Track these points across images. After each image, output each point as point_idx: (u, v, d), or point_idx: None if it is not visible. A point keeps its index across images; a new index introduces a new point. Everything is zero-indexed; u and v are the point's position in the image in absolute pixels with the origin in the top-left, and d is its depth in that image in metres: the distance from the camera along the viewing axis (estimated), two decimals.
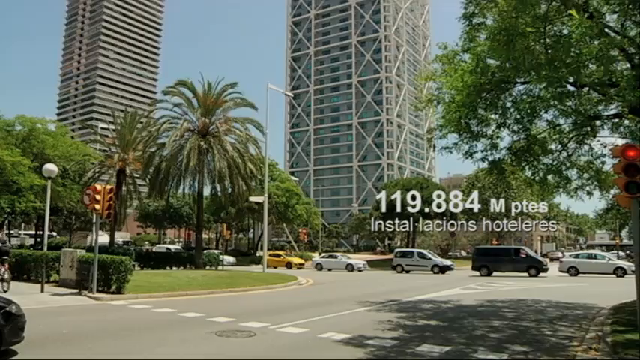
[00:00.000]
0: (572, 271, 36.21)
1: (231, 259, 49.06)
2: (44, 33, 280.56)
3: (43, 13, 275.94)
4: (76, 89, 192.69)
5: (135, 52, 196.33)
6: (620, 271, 34.48)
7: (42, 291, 17.75)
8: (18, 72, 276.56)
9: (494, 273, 36.32)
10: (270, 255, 49.63)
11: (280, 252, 56.18)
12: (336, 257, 48.69)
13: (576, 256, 40.88)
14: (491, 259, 37.81)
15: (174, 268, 33.34)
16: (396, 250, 49.97)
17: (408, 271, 41.47)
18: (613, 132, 13.18)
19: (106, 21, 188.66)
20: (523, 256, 37.47)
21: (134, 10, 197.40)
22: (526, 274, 35.48)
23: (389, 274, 39.34)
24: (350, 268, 43.92)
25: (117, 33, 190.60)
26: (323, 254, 55.85)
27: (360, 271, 43.32)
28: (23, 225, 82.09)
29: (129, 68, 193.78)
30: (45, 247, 25.16)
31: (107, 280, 17.83)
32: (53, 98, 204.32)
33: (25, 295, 15.58)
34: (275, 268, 43.36)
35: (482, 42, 12.85)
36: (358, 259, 50.48)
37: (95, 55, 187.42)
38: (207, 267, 33.93)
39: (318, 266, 45.56)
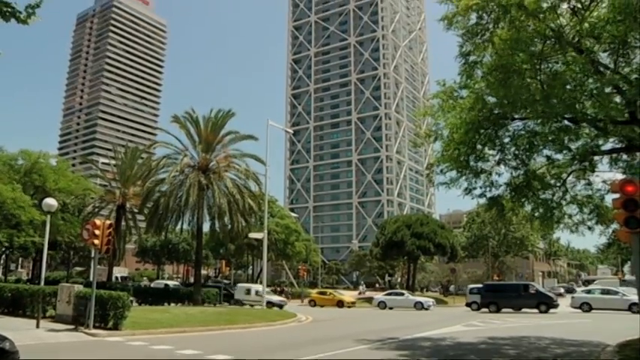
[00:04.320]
0: (585, 307, 35.28)
1: (276, 298, 40.77)
2: (49, 68, 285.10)
3: (49, 49, 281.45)
4: (78, 124, 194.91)
5: (137, 88, 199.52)
6: (635, 308, 33.43)
7: (37, 327, 17.49)
8: (21, 107, 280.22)
9: (503, 310, 35.84)
10: (317, 293, 48.06)
11: (329, 289, 54.24)
12: (402, 295, 44.25)
13: (589, 291, 39.79)
14: (499, 295, 37.42)
15: (172, 304, 32.94)
16: (470, 286, 44.64)
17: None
18: (612, 166, 13.25)
19: (110, 57, 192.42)
20: (532, 292, 37.02)
21: (137, 47, 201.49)
22: (536, 310, 34.95)
23: (467, 311, 36.95)
24: (419, 306, 40.75)
25: (119, 69, 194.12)
26: (385, 292, 50.63)
27: (427, 309, 40.28)
28: (20, 259, 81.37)
29: (130, 104, 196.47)
30: (42, 282, 24.87)
31: (104, 316, 17.61)
32: (55, 132, 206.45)
33: (20, 331, 15.34)
34: (322, 307, 42.11)
35: (479, 79, 13.09)
36: (426, 297, 47.03)
37: (98, 90, 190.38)
38: (206, 304, 33.50)
39: (382, 305, 42.97)
